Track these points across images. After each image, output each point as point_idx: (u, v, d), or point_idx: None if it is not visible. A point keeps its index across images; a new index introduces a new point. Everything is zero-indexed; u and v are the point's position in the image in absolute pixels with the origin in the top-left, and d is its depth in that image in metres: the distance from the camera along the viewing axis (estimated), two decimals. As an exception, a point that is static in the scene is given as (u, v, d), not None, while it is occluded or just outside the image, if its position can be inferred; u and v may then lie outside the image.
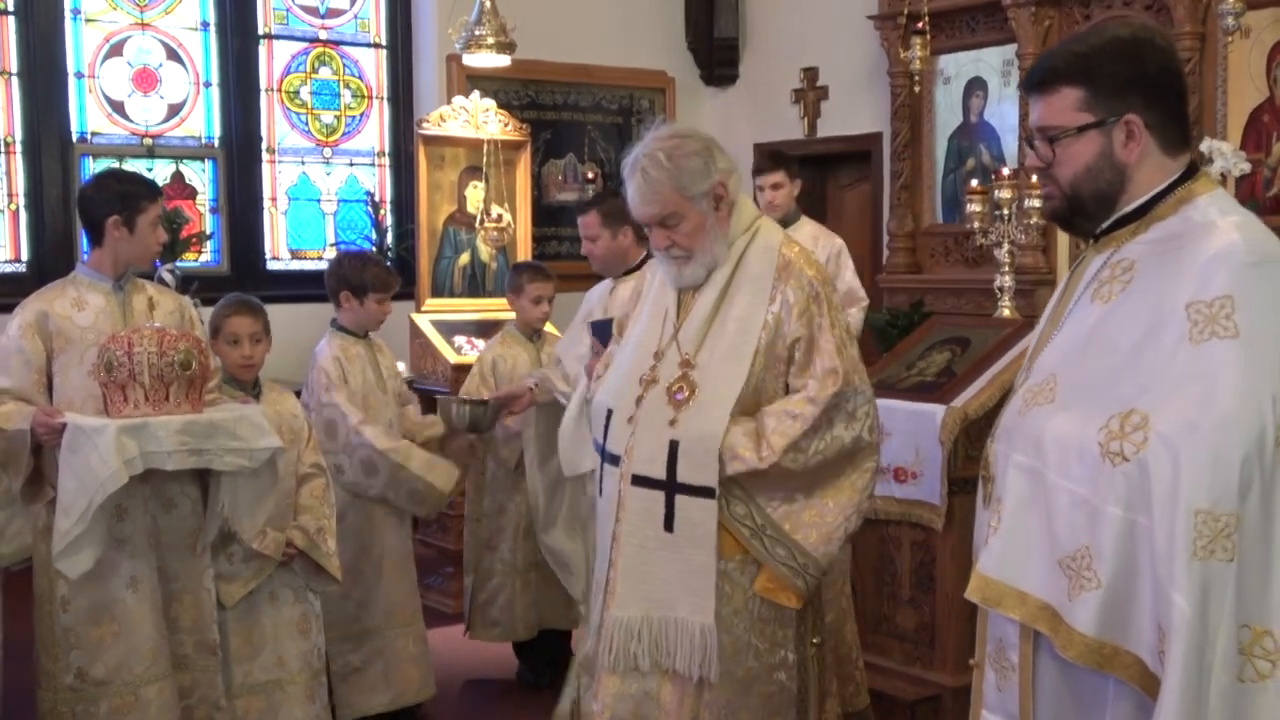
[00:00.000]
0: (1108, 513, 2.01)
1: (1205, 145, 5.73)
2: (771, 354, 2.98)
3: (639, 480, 2.99)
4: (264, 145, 8.20)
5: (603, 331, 4.52)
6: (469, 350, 6.65)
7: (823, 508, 2.96)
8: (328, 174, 8.49)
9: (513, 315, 5.31)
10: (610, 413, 3.11)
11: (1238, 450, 1.92)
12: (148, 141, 7.78)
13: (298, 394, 4.50)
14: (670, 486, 2.95)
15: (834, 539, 2.95)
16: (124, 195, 3.78)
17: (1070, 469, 2.08)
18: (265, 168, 8.22)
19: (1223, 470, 1.92)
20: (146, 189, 3.89)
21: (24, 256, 7.43)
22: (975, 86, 7.55)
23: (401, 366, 5.44)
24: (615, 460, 3.05)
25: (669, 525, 2.95)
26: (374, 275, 4.70)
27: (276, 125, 8.26)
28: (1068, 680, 2.13)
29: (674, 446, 2.94)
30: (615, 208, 4.51)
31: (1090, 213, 2.25)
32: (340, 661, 4.59)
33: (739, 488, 2.94)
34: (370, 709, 4.63)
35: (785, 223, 5.32)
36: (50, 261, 7.18)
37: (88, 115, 7.62)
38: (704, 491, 2.91)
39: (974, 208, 5.59)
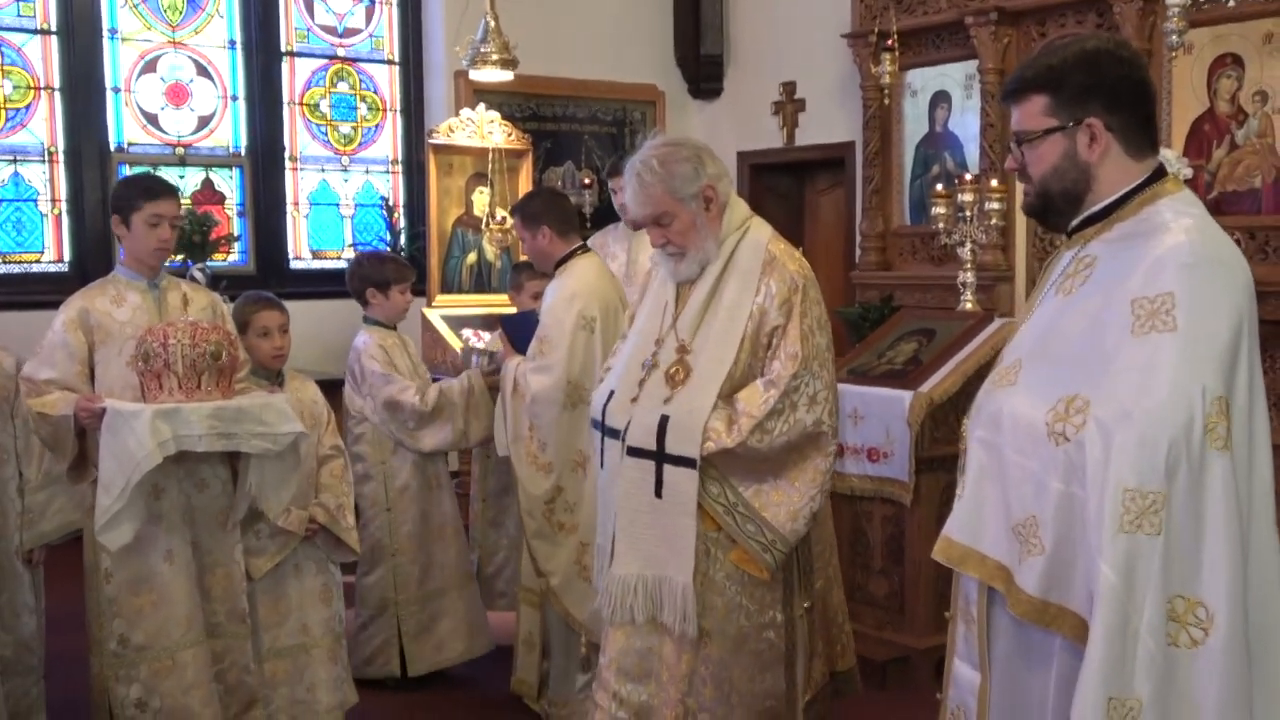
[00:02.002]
0: (1051, 486, 2.04)
1: (1151, 152, 5.72)
2: (756, 341, 3.00)
3: (634, 451, 3.02)
4: (287, 154, 8.17)
5: (511, 325, 4.48)
6: (476, 342, 6.65)
7: (789, 489, 2.97)
8: (345, 180, 8.45)
9: (514, 309, 5.30)
10: (611, 393, 3.14)
11: (1165, 435, 1.92)
12: (179, 151, 7.75)
13: (338, 383, 4.54)
14: (660, 457, 2.97)
15: (799, 517, 2.96)
16: (121, 196, 3.74)
17: (1022, 445, 2.11)
18: (288, 175, 8.19)
19: (1149, 453, 1.92)
20: (143, 190, 3.72)
21: (66, 257, 7.39)
22: (940, 99, 7.53)
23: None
24: (615, 434, 3.08)
25: (659, 492, 2.97)
26: (393, 269, 4.78)
27: (298, 135, 8.23)
28: (1019, 633, 2.15)
29: (664, 421, 2.97)
30: (531, 210, 4.42)
31: (1060, 209, 2.25)
32: (411, 622, 4.64)
33: (714, 468, 2.96)
34: (439, 664, 4.71)
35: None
36: (90, 262, 7.17)
37: (124, 127, 7.59)
38: (687, 462, 2.93)
39: (939, 210, 5.61)
